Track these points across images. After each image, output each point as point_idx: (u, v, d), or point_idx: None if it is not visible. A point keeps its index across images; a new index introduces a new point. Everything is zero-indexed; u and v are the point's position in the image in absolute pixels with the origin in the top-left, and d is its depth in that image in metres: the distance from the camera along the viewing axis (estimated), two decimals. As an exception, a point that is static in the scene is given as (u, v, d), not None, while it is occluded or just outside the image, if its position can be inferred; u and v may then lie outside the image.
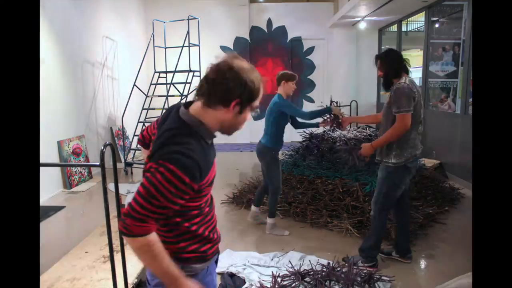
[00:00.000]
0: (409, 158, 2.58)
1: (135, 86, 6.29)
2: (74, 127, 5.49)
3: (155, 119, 6.61)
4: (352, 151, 3.47)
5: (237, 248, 3.14)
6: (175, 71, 6.36)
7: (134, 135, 6.28)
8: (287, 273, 2.58)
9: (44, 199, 4.56)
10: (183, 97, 6.22)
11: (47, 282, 2.27)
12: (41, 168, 3.57)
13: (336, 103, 3.77)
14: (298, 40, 8.78)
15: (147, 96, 6.58)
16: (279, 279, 2.49)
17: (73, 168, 5.21)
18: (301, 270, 2.60)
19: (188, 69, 6.53)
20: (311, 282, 2.47)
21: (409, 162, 2.60)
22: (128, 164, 6.03)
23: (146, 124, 6.33)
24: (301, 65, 8.87)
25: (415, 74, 8.08)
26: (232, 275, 2.69)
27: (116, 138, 6.74)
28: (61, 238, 3.58)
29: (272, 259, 2.93)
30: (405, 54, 8.02)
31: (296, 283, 2.47)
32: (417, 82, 7.38)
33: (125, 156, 6.19)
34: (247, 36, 8.63)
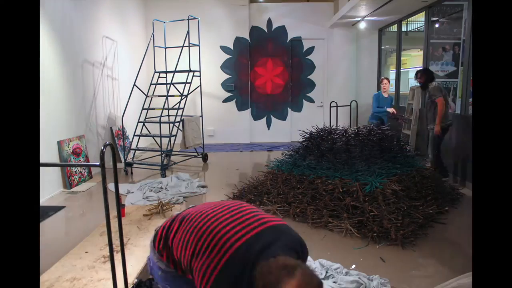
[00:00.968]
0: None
1: (135, 86, 6.29)
2: (74, 127, 5.49)
3: (155, 119, 6.60)
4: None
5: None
6: (175, 71, 6.36)
7: (134, 135, 6.28)
8: None
9: (44, 199, 4.56)
10: (183, 97, 6.22)
11: (47, 282, 2.27)
12: (41, 168, 3.58)
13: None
14: (298, 40, 8.78)
15: (147, 96, 6.58)
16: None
17: (73, 168, 5.21)
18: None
19: (188, 69, 6.53)
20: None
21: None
22: (128, 164, 6.03)
23: (146, 124, 6.34)
24: (301, 65, 8.87)
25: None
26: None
27: (116, 138, 6.74)
28: (61, 238, 3.58)
29: None
30: (405, 54, 8.07)
31: None
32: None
33: (125, 156, 6.19)
34: (247, 36, 8.63)
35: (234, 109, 8.85)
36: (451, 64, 6.15)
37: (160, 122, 5.86)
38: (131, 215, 3.44)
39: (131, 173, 6.03)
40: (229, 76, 8.76)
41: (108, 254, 1.98)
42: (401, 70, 7.74)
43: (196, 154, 6.81)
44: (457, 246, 3.21)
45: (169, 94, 6.43)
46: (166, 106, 6.34)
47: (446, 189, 4.43)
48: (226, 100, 8.81)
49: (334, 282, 2.52)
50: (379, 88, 8.98)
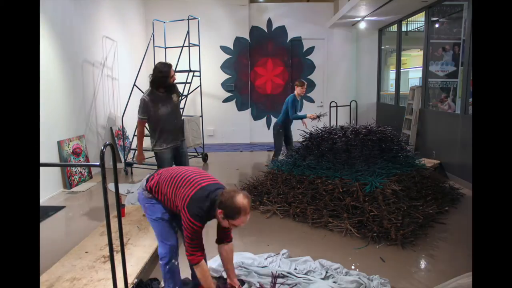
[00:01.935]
0: None
1: (135, 86, 6.29)
2: (74, 127, 5.49)
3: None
4: None
5: (235, 248, 3.14)
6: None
7: (134, 135, 6.27)
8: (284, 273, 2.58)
9: (44, 199, 4.56)
10: (183, 97, 6.22)
11: (47, 282, 2.27)
12: (41, 168, 3.58)
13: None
14: (298, 40, 8.77)
15: (147, 96, 6.57)
16: (280, 280, 2.49)
17: (73, 168, 5.21)
18: (300, 270, 2.60)
19: (188, 69, 6.53)
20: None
21: None
22: (128, 164, 6.03)
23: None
24: (301, 65, 8.87)
25: (415, 74, 8.10)
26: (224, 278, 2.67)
27: (116, 138, 6.74)
28: (61, 238, 3.58)
29: (266, 259, 2.93)
30: (405, 54, 8.07)
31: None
32: (417, 82, 7.38)
33: (125, 156, 6.19)
34: (247, 36, 8.63)
35: (234, 109, 8.85)
36: (451, 64, 6.15)
37: (160, 122, 5.85)
38: (131, 215, 3.43)
39: (131, 173, 6.03)
40: (229, 76, 8.76)
41: (108, 254, 1.98)
42: (401, 70, 7.74)
43: (196, 154, 6.81)
44: (457, 246, 3.21)
45: (169, 94, 6.43)
46: (166, 106, 6.34)
47: (446, 189, 4.43)
48: (226, 100, 8.81)
49: (334, 282, 2.52)
50: (379, 88, 8.96)
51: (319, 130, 4.78)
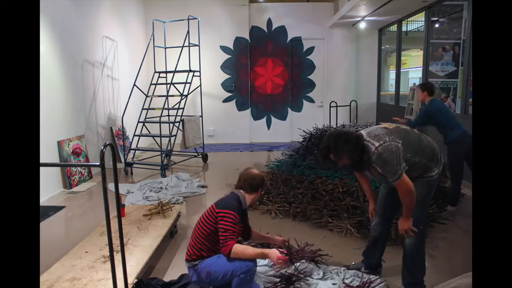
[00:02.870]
0: (429, 174, 2.32)
1: (135, 86, 6.29)
2: (74, 127, 5.49)
3: (155, 119, 6.62)
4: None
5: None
6: (175, 71, 6.36)
7: (134, 135, 6.28)
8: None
9: (44, 199, 4.56)
10: (183, 97, 6.22)
11: (47, 282, 2.27)
12: (41, 168, 3.58)
13: None
14: (298, 40, 8.78)
15: (147, 96, 6.58)
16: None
17: (73, 168, 5.21)
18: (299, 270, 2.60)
19: (188, 69, 6.53)
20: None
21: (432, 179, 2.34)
22: (128, 164, 6.03)
23: (146, 124, 6.34)
24: (301, 65, 8.87)
25: (415, 74, 8.09)
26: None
27: (116, 138, 6.74)
28: (61, 238, 3.58)
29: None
30: (405, 54, 8.07)
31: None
32: (417, 82, 7.37)
33: (125, 156, 6.19)
34: (247, 36, 8.63)
35: (234, 109, 8.85)
36: (451, 64, 6.15)
37: (160, 122, 5.86)
38: (131, 215, 3.43)
39: (131, 173, 6.03)
40: (229, 76, 8.76)
41: (108, 254, 1.98)
42: (401, 70, 7.74)
43: (196, 154, 6.81)
44: (457, 246, 3.21)
45: (169, 94, 6.43)
46: (166, 106, 6.34)
47: (446, 189, 4.43)
48: (226, 100, 8.81)
49: (334, 284, 2.52)
50: (379, 88, 8.95)
51: (319, 130, 4.78)
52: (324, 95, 8.89)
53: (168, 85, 6.61)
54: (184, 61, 6.74)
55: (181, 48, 6.38)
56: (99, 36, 6.37)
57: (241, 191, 2.45)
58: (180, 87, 6.82)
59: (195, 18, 6.58)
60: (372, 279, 2.57)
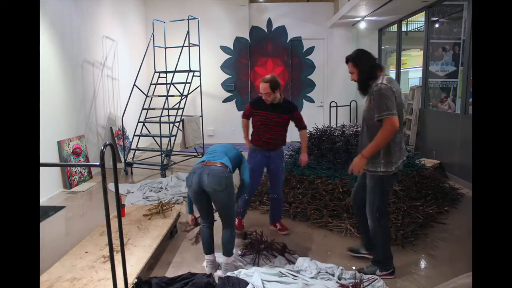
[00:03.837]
0: (398, 164, 2.47)
1: (135, 86, 6.29)
2: (74, 127, 5.49)
3: (155, 119, 6.62)
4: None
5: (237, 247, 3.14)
6: (175, 71, 6.36)
7: (134, 135, 6.28)
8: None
9: (44, 199, 4.56)
10: (183, 97, 6.22)
11: (47, 282, 2.27)
12: (41, 168, 3.58)
13: None
14: (298, 40, 8.78)
15: (147, 96, 6.58)
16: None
17: (73, 168, 5.21)
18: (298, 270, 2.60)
19: (188, 69, 6.53)
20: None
21: (398, 168, 2.48)
22: (128, 164, 6.03)
23: (146, 124, 6.34)
24: (301, 65, 8.87)
25: (415, 74, 8.09)
26: (227, 277, 2.67)
27: (116, 138, 6.74)
28: (61, 238, 3.58)
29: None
30: (405, 54, 8.06)
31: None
32: (417, 82, 7.37)
33: (125, 156, 6.19)
34: (247, 36, 8.63)
35: (234, 109, 8.85)
36: (451, 64, 6.15)
37: (160, 122, 5.86)
38: (131, 215, 3.43)
39: (131, 173, 6.03)
40: (229, 76, 8.76)
41: (108, 254, 1.98)
42: (401, 70, 7.74)
43: (196, 154, 6.81)
44: (457, 246, 3.21)
45: (169, 94, 6.43)
46: (166, 106, 6.34)
47: (446, 189, 4.43)
48: (226, 100, 8.81)
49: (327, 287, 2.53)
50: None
51: (319, 130, 4.78)
52: (324, 95, 8.89)
53: (168, 85, 6.61)
54: (184, 61, 6.73)
55: (181, 48, 6.38)
56: (99, 36, 6.37)
57: None
58: (180, 87, 6.82)
59: (195, 18, 6.59)
60: (369, 278, 2.57)
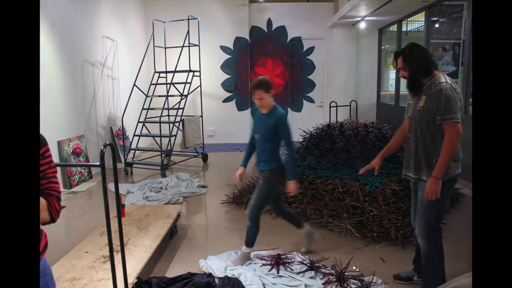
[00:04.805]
0: (455, 171, 2.17)
1: (135, 86, 6.29)
2: (74, 127, 5.49)
3: (155, 119, 6.65)
4: None
5: (237, 248, 3.14)
6: (175, 71, 6.36)
7: (134, 135, 6.28)
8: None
9: (44, 199, 4.56)
10: (183, 97, 6.22)
11: (47, 282, 2.27)
12: (41, 168, 3.56)
13: None
14: (298, 40, 8.78)
15: (147, 96, 6.58)
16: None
17: (73, 168, 5.21)
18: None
19: (188, 69, 6.53)
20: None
21: (456, 174, 2.20)
22: (128, 164, 6.03)
23: (146, 124, 6.34)
24: (301, 65, 8.87)
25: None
26: (227, 278, 2.67)
27: (116, 138, 6.74)
28: (61, 238, 3.58)
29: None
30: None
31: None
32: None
33: (125, 156, 6.19)
34: (247, 36, 8.63)
35: (234, 109, 8.85)
36: (451, 64, 6.15)
37: (160, 122, 5.86)
38: (131, 215, 3.43)
39: (131, 173, 6.03)
40: (229, 76, 8.76)
41: (108, 254, 1.98)
42: (401, 70, 7.73)
43: (196, 154, 6.81)
44: (457, 246, 3.21)
45: (169, 94, 6.43)
46: (166, 106, 6.34)
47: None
48: (226, 100, 8.81)
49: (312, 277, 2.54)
50: (379, 88, 8.94)
51: (319, 129, 4.78)
52: (324, 95, 8.89)
53: (168, 85, 6.61)
54: (184, 61, 6.73)
55: (181, 48, 6.38)
56: (99, 36, 6.37)
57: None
58: (180, 87, 6.81)
59: (195, 18, 6.58)
60: (373, 280, 2.57)
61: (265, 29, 8.72)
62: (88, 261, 2.55)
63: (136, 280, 2.35)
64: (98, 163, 1.74)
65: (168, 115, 6.78)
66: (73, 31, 5.48)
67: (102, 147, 1.79)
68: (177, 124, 6.17)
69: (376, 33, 8.63)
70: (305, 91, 8.95)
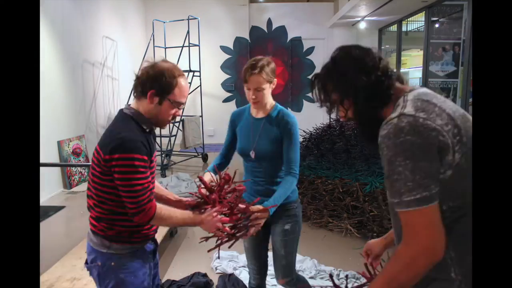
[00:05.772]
0: None
1: (135, 86, 6.29)
2: (74, 127, 5.49)
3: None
4: None
5: (237, 248, 3.14)
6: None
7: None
8: None
9: (44, 199, 4.56)
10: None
11: (47, 282, 2.27)
12: (41, 168, 3.57)
13: None
14: (298, 40, 8.78)
15: (147, 96, 6.58)
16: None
17: (73, 168, 5.21)
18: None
19: (188, 69, 6.53)
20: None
21: None
22: (128, 164, 6.03)
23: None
24: (301, 65, 8.87)
25: (415, 74, 8.09)
26: (230, 275, 2.68)
27: (116, 138, 6.74)
28: (61, 238, 3.58)
29: None
30: (405, 54, 8.07)
31: None
32: (417, 82, 7.34)
33: (125, 156, 6.19)
34: (247, 36, 8.63)
35: (234, 109, 8.84)
36: (451, 64, 6.15)
37: (160, 122, 5.86)
38: (131, 215, 3.43)
39: (131, 173, 6.03)
40: (229, 76, 8.76)
41: (108, 254, 1.97)
42: (401, 70, 7.74)
43: (196, 154, 6.81)
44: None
45: (169, 94, 6.43)
46: (166, 106, 6.34)
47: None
48: (226, 100, 8.81)
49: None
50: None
51: (319, 129, 4.78)
52: (324, 95, 8.88)
53: (168, 85, 6.61)
54: (184, 61, 6.73)
55: (181, 48, 6.38)
56: (99, 36, 6.37)
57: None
58: (180, 87, 6.81)
59: (195, 18, 6.59)
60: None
61: (265, 29, 8.72)
62: (88, 261, 2.55)
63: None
64: (98, 163, 1.73)
65: (168, 115, 6.77)
66: (73, 31, 5.48)
67: (102, 147, 1.78)
68: (177, 124, 6.17)
69: (376, 33, 8.63)
70: (305, 91, 8.95)
